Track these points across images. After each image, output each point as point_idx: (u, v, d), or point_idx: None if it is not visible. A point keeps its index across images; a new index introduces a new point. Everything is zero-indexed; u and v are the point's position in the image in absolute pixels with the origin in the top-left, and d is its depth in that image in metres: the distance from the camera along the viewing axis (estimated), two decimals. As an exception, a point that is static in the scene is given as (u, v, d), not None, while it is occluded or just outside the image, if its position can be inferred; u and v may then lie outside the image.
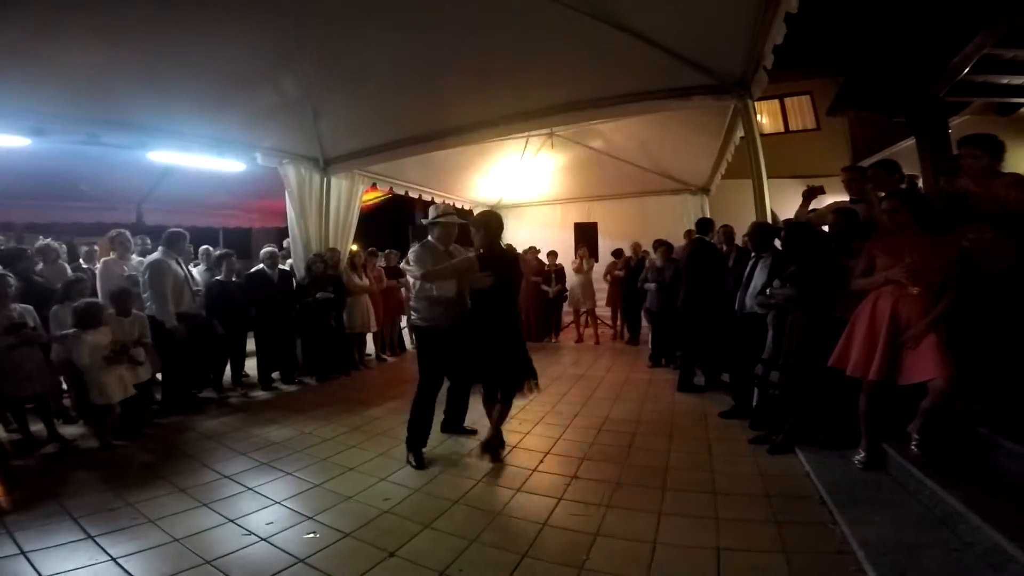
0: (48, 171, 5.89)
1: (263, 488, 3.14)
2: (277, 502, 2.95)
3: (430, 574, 2.23)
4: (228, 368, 5.81)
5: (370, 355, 7.26)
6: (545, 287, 8.48)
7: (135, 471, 3.41)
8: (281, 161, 6.24)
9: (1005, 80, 5.82)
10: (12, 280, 3.85)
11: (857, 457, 3.04)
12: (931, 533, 2.29)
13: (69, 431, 4.14)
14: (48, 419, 3.97)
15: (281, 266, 6.15)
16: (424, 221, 3.86)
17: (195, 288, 5.05)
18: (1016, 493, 2.32)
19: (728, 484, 3.03)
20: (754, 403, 4.05)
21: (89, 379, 3.85)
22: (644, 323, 7.76)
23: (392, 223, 14.02)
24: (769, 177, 4.53)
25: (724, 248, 5.53)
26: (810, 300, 3.32)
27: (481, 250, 3.54)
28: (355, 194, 7.07)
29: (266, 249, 6.02)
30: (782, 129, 11.17)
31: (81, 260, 5.79)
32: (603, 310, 9.01)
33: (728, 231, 5.70)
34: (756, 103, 4.59)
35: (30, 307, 3.94)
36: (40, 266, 4.83)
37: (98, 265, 5.24)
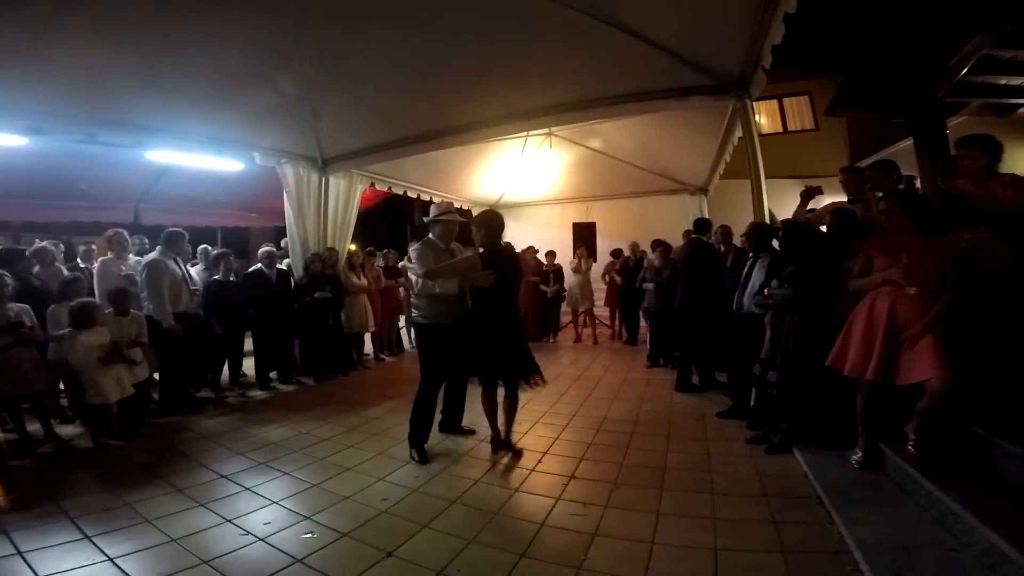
0: (46, 170, 5.88)
1: (261, 488, 3.13)
2: (275, 502, 2.94)
3: (428, 574, 2.23)
4: (226, 368, 5.81)
5: (368, 355, 7.26)
6: (543, 287, 8.48)
7: (132, 471, 3.40)
8: (279, 160, 6.24)
9: (1003, 81, 5.84)
10: (9, 280, 3.84)
11: (854, 457, 3.04)
12: (928, 533, 2.30)
13: (66, 431, 4.12)
14: (45, 419, 3.95)
15: (279, 266, 6.14)
16: (425, 219, 3.87)
17: (193, 288, 5.04)
18: (1013, 493, 2.33)
19: (726, 484, 3.04)
20: (752, 403, 4.05)
21: (85, 379, 3.84)
22: (642, 323, 7.76)
23: (390, 223, 14.00)
24: (767, 177, 4.54)
25: (722, 248, 5.54)
26: (808, 300, 3.32)
27: (482, 248, 3.55)
28: (353, 194, 7.06)
29: (264, 249, 6.01)
30: (780, 129, 11.17)
31: (79, 260, 5.78)
32: (601, 310, 9.02)
33: (726, 231, 5.70)
34: (754, 103, 4.60)
35: (26, 306, 3.93)
36: (36, 268, 4.82)
37: (95, 264, 5.23)
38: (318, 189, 6.63)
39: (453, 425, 4.05)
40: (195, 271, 5.69)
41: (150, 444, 3.93)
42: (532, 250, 8.75)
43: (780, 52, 3.89)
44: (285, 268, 6.35)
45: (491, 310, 3.49)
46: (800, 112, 11.08)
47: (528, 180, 9.49)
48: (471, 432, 4.01)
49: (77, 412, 4.34)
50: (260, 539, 2.53)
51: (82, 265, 5.53)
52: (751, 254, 4.22)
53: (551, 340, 8.73)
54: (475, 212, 4.22)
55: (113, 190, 7.00)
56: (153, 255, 4.75)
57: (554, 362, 6.93)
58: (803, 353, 3.30)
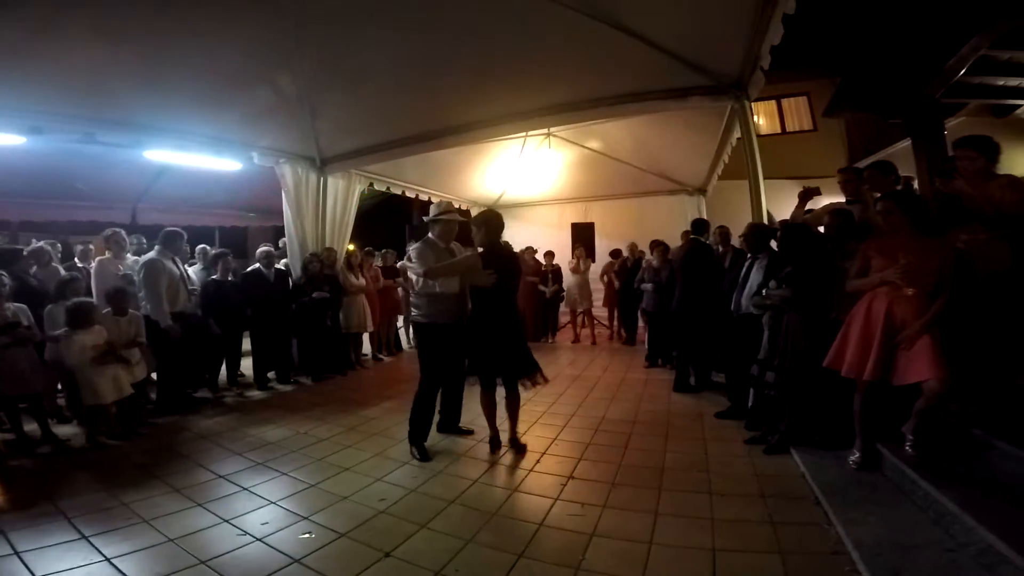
0: (44, 169, 5.87)
1: (258, 488, 3.13)
2: (272, 502, 2.94)
3: (426, 574, 2.23)
4: (224, 368, 5.80)
5: (366, 355, 7.25)
6: (542, 287, 8.49)
7: (130, 471, 3.39)
8: (278, 160, 6.23)
9: (1001, 82, 5.85)
10: (6, 279, 3.83)
11: (852, 458, 3.05)
12: (925, 533, 2.30)
13: (63, 431, 4.11)
14: (42, 419, 3.94)
15: (277, 266, 6.13)
16: (425, 218, 3.87)
17: (191, 287, 5.03)
18: (1010, 494, 2.33)
19: (724, 484, 3.04)
20: (750, 404, 4.06)
21: (80, 379, 3.83)
22: (640, 323, 7.77)
23: (389, 223, 14.00)
24: (765, 178, 4.54)
25: (720, 249, 5.54)
26: (806, 301, 3.33)
27: (481, 248, 3.56)
28: (352, 194, 7.05)
29: (262, 248, 6.00)
30: (779, 130, 11.20)
31: (76, 259, 5.76)
32: (600, 310, 9.02)
33: (724, 232, 5.70)
34: (753, 104, 4.61)
35: (24, 306, 3.92)
36: (34, 268, 4.81)
37: (93, 264, 5.22)
38: (316, 189, 6.62)
39: (451, 425, 4.05)
40: (193, 271, 5.66)
41: (148, 444, 3.92)
42: (531, 250, 8.74)
43: (779, 53, 3.90)
44: (283, 268, 6.34)
45: (491, 309, 3.50)
46: (798, 113, 11.11)
47: (527, 180, 9.49)
48: (469, 432, 4.00)
49: (75, 412, 4.32)
50: (258, 539, 2.52)
51: (80, 265, 5.51)
52: (749, 255, 4.23)
53: (549, 340, 8.73)
54: (474, 212, 4.22)
55: (111, 190, 6.98)
56: (151, 255, 4.75)
57: (552, 362, 6.91)
58: (801, 354, 3.30)
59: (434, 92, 5.22)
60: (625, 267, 7.89)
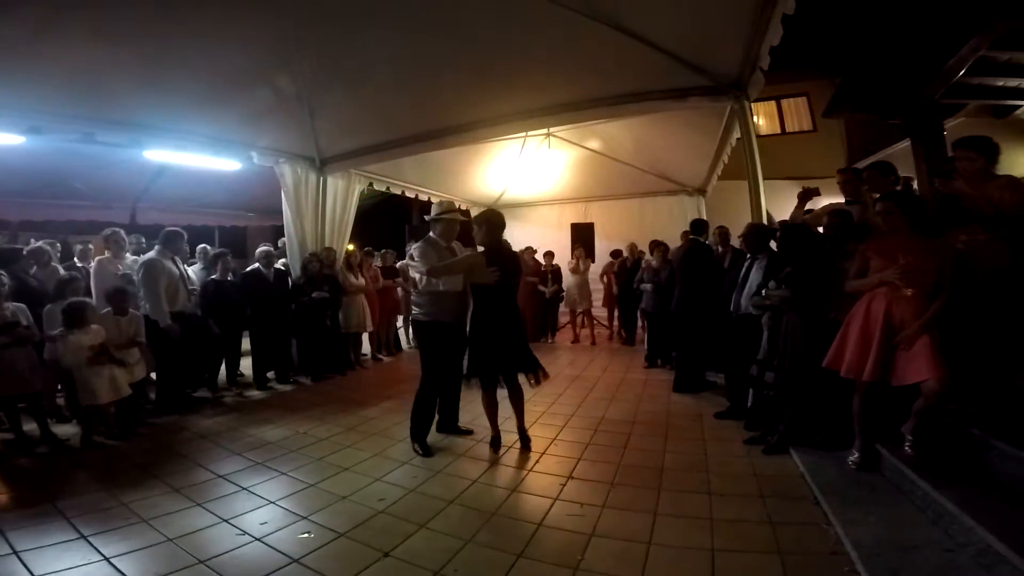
0: (43, 169, 5.86)
1: (257, 488, 3.13)
2: (271, 502, 2.94)
3: (425, 574, 2.23)
4: (223, 367, 5.79)
5: (366, 355, 7.24)
6: (541, 287, 8.49)
7: (129, 470, 3.39)
8: (277, 160, 6.22)
9: (1000, 82, 5.86)
10: (5, 279, 3.83)
11: (851, 458, 3.05)
12: (924, 534, 2.30)
13: (63, 431, 4.10)
14: (41, 418, 3.94)
15: (277, 265, 6.13)
16: (427, 217, 3.88)
17: (191, 287, 5.03)
18: (1009, 494, 2.34)
19: (723, 485, 3.04)
20: (749, 404, 4.06)
21: (77, 379, 3.83)
22: (640, 324, 7.76)
23: (388, 223, 14.00)
24: (765, 178, 4.54)
25: (719, 249, 5.55)
26: (805, 301, 3.33)
27: (482, 247, 3.58)
28: (351, 193, 7.05)
29: (262, 248, 6.00)
30: (778, 130, 11.21)
31: (76, 259, 5.76)
32: (599, 310, 9.03)
33: (723, 232, 5.71)
34: (752, 104, 4.60)
35: (23, 306, 3.92)
36: (33, 268, 4.80)
37: (92, 264, 5.22)
38: (316, 189, 6.62)
39: (450, 425, 4.05)
40: (193, 271, 5.67)
41: (147, 444, 3.92)
42: (530, 250, 8.74)
43: (778, 53, 3.90)
44: (283, 268, 6.34)
45: (493, 307, 3.52)
46: (798, 113, 11.12)
47: (527, 180, 9.50)
48: (469, 432, 4.00)
49: (73, 412, 4.32)
50: (257, 539, 2.52)
51: (79, 264, 5.51)
52: (748, 255, 4.23)
53: (549, 340, 8.73)
54: (474, 212, 4.23)
55: (110, 189, 6.99)
56: (150, 254, 4.75)
57: (552, 362, 6.88)
58: (800, 354, 3.31)
59: (434, 92, 5.21)
60: (625, 267, 7.89)
